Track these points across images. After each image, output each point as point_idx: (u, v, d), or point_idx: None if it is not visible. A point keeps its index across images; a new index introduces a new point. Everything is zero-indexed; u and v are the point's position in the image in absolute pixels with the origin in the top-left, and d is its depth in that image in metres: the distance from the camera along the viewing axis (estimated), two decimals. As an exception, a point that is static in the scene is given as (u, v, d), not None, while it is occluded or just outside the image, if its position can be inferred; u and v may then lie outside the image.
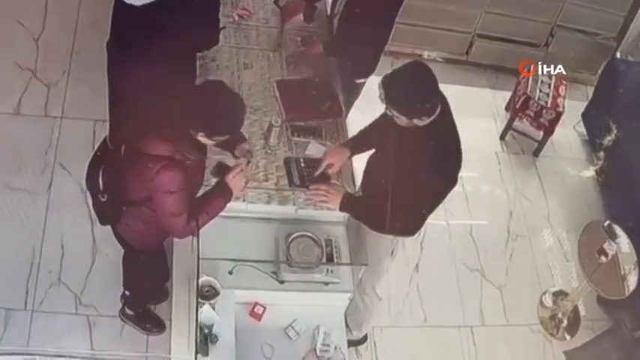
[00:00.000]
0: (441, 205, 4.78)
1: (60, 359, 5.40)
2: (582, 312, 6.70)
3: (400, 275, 6.31)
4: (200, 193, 4.56)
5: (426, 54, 8.14)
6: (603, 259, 6.12)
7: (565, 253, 7.09)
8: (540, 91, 7.42)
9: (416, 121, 4.37)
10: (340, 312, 5.06)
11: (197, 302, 4.41)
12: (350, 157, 5.17)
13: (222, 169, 4.82)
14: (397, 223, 4.68)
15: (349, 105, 5.92)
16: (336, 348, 4.86)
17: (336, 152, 5.15)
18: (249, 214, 4.98)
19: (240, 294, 4.78)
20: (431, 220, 4.86)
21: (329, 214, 5.10)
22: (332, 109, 5.56)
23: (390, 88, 4.35)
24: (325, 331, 4.87)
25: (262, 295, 4.84)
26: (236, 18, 5.91)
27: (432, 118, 4.39)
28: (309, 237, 4.92)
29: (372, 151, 5.09)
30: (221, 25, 5.58)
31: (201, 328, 4.46)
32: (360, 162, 5.24)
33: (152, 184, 4.18)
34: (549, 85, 7.49)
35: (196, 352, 4.39)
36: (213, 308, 4.54)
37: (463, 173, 4.59)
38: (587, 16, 8.02)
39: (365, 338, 6.00)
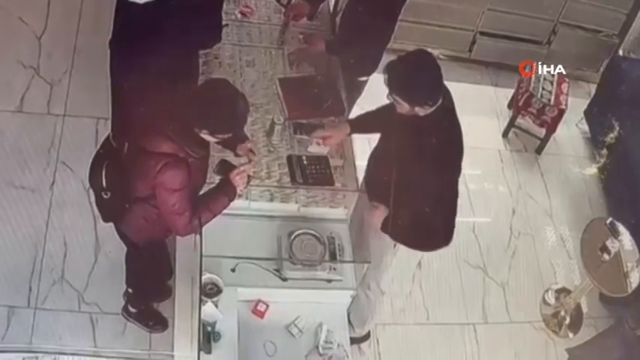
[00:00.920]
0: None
1: (63, 357, 5.41)
2: (585, 309, 6.69)
3: (403, 273, 6.32)
4: (203, 191, 4.56)
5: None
6: (606, 256, 6.12)
7: (568, 250, 7.09)
8: (543, 88, 7.41)
9: (417, 109, 4.36)
10: (343, 309, 5.06)
11: (200, 300, 4.41)
12: (349, 134, 5.21)
13: (225, 167, 4.82)
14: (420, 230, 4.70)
15: (351, 103, 5.92)
16: (338, 345, 4.86)
17: (336, 126, 5.21)
18: (251, 212, 4.99)
19: (242, 291, 4.78)
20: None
21: (331, 212, 5.11)
22: (334, 106, 5.56)
23: (395, 73, 4.36)
24: (328, 329, 4.87)
25: (265, 292, 4.84)
26: (238, 15, 5.92)
27: (434, 107, 4.39)
28: (311, 234, 4.93)
29: (372, 148, 5.10)
30: (223, 23, 5.57)
31: (204, 325, 4.46)
32: (361, 160, 5.25)
33: (155, 182, 4.19)
34: (552, 83, 7.48)
35: (199, 350, 4.39)
36: (216, 306, 4.55)
37: (466, 171, 4.58)
38: (590, 14, 8.02)
39: (367, 335, 6.00)
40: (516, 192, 7.40)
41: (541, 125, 7.55)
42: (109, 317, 5.61)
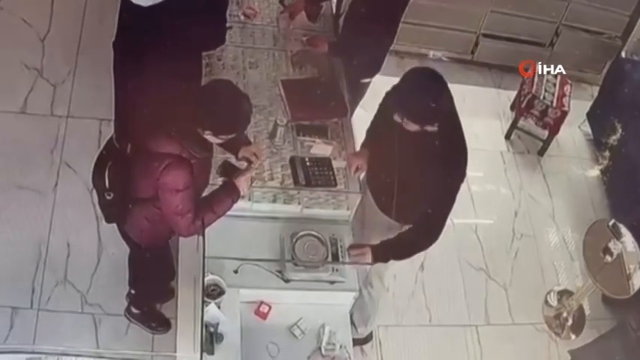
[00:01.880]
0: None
1: (66, 358, 5.40)
2: (587, 311, 6.69)
3: (405, 274, 6.32)
4: (206, 192, 4.56)
5: (431, 53, 8.14)
6: (608, 258, 6.11)
7: (570, 252, 7.09)
8: (545, 90, 7.41)
9: (428, 127, 4.37)
10: (345, 311, 5.05)
11: (203, 301, 4.40)
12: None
13: (228, 169, 4.84)
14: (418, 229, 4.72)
15: (354, 104, 5.92)
16: (341, 347, 4.85)
17: (358, 155, 5.15)
18: (254, 213, 4.99)
19: (245, 293, 4.77)
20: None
21: (334, 213, 5.11)
22: (337, 108, 5.56)
23: (401, 98, 4.37)
24: (330, 330, 4.86)
25: (268, 293, 4.84)
26: (242, 17, 5.93)
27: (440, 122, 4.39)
28: (314, 236, 4.93)
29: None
30: (227, 25, 5.57)
31: (206, 326, 4.46)
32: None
33: (159, 183, 4.19)
34: (554, 85, 7.48)
35: (202, 351, 4.38)
36: (219, 307, 4.54)
37: (468, 172, 4.58)
38: (593, 16, 8.01)
39: (370, 337, 6.00)
40: (519, 194, 7.40)
41: (544, 127, 7.55)
42: (111, 318, 5.62)
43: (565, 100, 7.41)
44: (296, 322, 4.87)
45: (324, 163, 5.25)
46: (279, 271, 4.82)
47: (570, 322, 6.55)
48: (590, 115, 7.93)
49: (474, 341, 6.32)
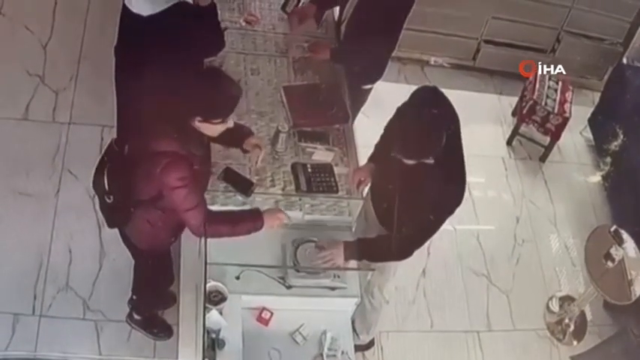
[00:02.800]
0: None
1: (68, 364, 5.42)
2: (589, 317, 6.69)
3: (407, 280, 6.33)
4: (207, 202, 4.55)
5: (432, 60, 8.15)
6: (610, 264, 6.11)
7: (572, 258, 7.08)
8: (547, 96, 7.41)
9: (424, 160, 4.35)
10: (347, 317, 5.05)
11: (204, 307, 4.40)
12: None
13: (229, 175, 4.85)
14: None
15: (356, 111, 5.92)
16: (343, 353, 4.85)
17: (362, 169, 5.16)
18: (256, 220, 4.99)
19: (247, 299, 4.77)
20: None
21: (336, 219, 5.11)
22: (339, 114, 5.56)
23: (397, 136, 4.37)
24: (332, 336, 4.85)
25: (269, 300, 4.84)
26: (243, 24, 5.92)
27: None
28: (316, 242, 4.91)
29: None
30: (223, 26, 5.56)
31: (208, 333, 4.45)
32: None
33: (161, 183, 4.18)
34: (556, 91, 7.48)
35: (204, 358, 4.37)
36: (221, 313, 4.54)
37: (470, 179, 4.57)
38: (594, 22, 8.02)
39: (372, 343, 6.00)
40: (520, 200, 7.39)
41: (545, 133, 7.55)
42: (113, 324, 5.62)
43: (566, 106, 7.41)
44: (298, 329, 4.86)
45: (326, 169, 5.25)
46: (281, 278, 4.81)
47: (572, 327, 6.54)
48: (592, 121, 7.94)
49: (476, 347, 6.32)
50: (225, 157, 5.02)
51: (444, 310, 6.45)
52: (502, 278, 6.77)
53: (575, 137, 8.03)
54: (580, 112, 7.81)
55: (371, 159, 5.16)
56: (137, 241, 4.79)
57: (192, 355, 4.91)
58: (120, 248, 5.00)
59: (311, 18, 5.78)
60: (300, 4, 5.87)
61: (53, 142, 6.39)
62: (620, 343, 6.29)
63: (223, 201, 4.94)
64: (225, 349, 4.56)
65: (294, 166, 5.23)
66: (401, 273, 5.29)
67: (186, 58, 4.87)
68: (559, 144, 7.68)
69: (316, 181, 5.16)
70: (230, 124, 4.26)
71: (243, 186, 5.01)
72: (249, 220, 4.48)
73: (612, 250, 6.12)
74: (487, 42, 8.10)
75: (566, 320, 6.54)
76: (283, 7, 5.95)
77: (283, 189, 5.12)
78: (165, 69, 4.54)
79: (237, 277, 4.71)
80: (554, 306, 6.67)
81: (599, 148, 7.82)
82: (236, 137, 4.72)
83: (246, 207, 4.87)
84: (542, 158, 7.73)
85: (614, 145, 7.45)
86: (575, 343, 6.51)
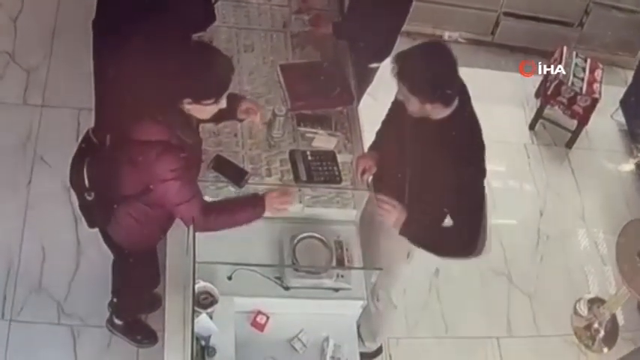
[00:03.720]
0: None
1: (41, 374, 5.43)
2: (621, 321, 6.71)
3: (418, 281, 6.29)
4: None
5: (447, 34, 8.15)
6: (644, 262, 6.12)
7: (602, 255, 7.10)
8: (574, 75, 7.40)
9: (428, 107, 4.32)
10: (352, 321, 5.05)
11: (193, 311, 4.39)
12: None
13: (220, 162, 4.84)
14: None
15: (361, 92, 5.92)
16: (347, 361, 4.86)
17: (366, 157, 5.14)
18: (250, 213, 4.99)
19: (240, 302, 4.77)
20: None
21: (339, 213, 5.10)
22: (342, 96, 5.56)
23: (405, 62, 4.32)
24: (335, 343, 4.86)
25: (265, 302, 4.84)
26: (236, -5, 5.93)
27: (448, 109, 4.36)
28: (317, 238, 4.92)
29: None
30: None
31: (197, 339, 4.46)
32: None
33: (149, 175, 4.16)
34: (584, 69, 7.47)
35: (192, 367, 4.39)
36: (211, 317, 4.55)
37: (488, 167, 4.56)
38: (627, -8, 8.03)
39: (379, 351, 6.00)
40: (544, 191, 7.40)
41: (572, 116, 7.55)
42: (91, 330, 5.63)
43: (595, 86, 7.41)
44: (297, 335, 4.86)
45: (328, 157, 5.24)
46: (278, 278, 4.81)
47: (602, 333, 6.55)
48: (624, 103, 7.94)
49: (495, 355, 6.33)
50: (216, 143, 5.01)
51: (459, 314, 6.47)
52: (524, 278, 6.79)
53: (606, 121, 8.04)
54: (611, 92, 7.81)
55: (372, 147, 5.15)
56: (121, 240, 4.78)
57: (180, 364, 4.92)
58: (99, 245, 5.00)
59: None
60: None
61: (24, 126, 6.40)
62: (656, 350, 6.31)
63: (213, 192, 4.90)
64: (215, 357, 4.57)
65: (292, 154, 5.22)
66: (411, 273, 5.27)
67: (173, 33, 4.85)
68: (587, 128, 7.69)
69: (317, 170, 5.15)
70: (222, 104, 4.24)
71: (236, 176, 5.00)
72: (248, 206, 4.50)
73: (647, 247, 6.13)
74: (507, 14, 8.11)
75: (596, 325, 6.54)
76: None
77: (281, 179, 5.11)
78: (150, 45, 4.53)
79: (229, 278, 4.71)
80: (583, 309, 6.67)
81: (632, 132, 7.84)
82: (227, 108, 4.66)
83: (240, 198, 4.88)
84: (569, 144, 7.74)
85: (650, 130, 7.47)
86: (605, 350, 6.53)
